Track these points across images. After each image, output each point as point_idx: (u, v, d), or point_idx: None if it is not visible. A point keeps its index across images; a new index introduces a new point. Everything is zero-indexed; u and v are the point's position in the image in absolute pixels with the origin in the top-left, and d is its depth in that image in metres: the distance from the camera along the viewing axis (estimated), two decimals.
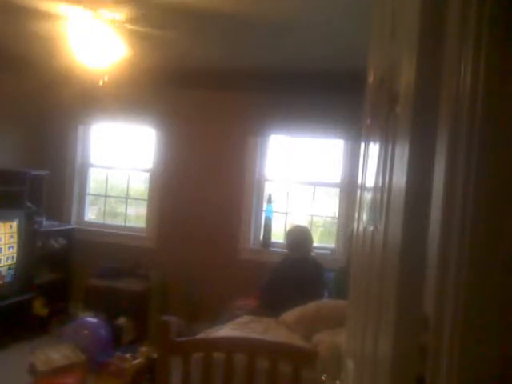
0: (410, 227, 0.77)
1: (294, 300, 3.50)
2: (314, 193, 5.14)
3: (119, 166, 5.57)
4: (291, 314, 3.35)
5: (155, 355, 3.20)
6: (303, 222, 5.06)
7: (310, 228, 4.49)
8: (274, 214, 5.02)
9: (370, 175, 1.29)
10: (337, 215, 5.00)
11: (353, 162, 4.75)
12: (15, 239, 4.55)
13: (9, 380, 3.72)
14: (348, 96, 3.78)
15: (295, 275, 3.92)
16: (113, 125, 5.52)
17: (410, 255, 0.77)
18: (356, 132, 4.35)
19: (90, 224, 5.56)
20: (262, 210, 5.12)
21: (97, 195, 5.74)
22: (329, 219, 5.23)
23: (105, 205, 5.71)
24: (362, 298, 1.23)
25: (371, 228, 1.15)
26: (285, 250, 4.44)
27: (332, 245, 5.04)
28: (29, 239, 4.71)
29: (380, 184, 1.07)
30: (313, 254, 4.63)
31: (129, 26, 3.49)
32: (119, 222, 5.61)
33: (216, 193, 5.10)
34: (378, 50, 1.32)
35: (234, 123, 5.05)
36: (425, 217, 0.73)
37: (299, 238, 4.25)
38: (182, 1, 3.08)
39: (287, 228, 4.84)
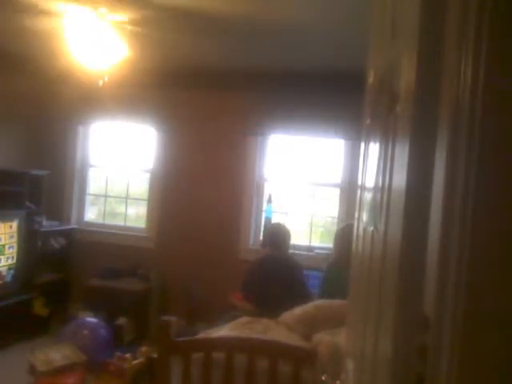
0: (410, 227, 0.77)
1: (273, 297, 3.53)
2: (314, 193, 5.14)
3: (119, 166, 5.57)
4: (291, 314, 3.35)
5: (155, 355, 3.20)
6: (302, 221, 5.05)
7: (286, 226, 4.41)
8: (273, 214, 5.02)
9: (370, 175, 1.29)
10: (337, 215, 5.00)
11: (353, 162, 4.75)
12: (15, 239, 4.55)
13: (9, 380, 3.72)
14: (348, 96, 3.78)
15: (270, 273, 3.93)
16: (113, 125, 5.52)
17: (410, 255, 0.77)
18: (356, 132, 4.35)
19: (90, 224, 5.56)
20: (261, 210, 5.12)
21: (97, 195, 5.74)
22: (329, 219, 5.23)
23: (105, 205, 5.71)
24: (362, 298, 1.23)
25: (371, 228, 1.15)
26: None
27: (332, 245, 5.03)
28: (29, 239, 4.72)
29: (380, 184, 1.07)
30: (295, 252, 4.59)
31: (129, 27, 3.49)
32: (119, 222, 5.61)
33: (216, 193, 5.10)
34: (378, 49, 1.32)
35: (233, 123, 5.05)
36: (425, 217, 0.73)
37: (275, 235, 4.22)
38: (183, 2, 3.08)
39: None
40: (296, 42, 3.76)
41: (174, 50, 4.22)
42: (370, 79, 1.42)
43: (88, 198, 5.68)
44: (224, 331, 3.04)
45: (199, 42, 3.96)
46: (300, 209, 5.19)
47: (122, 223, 5.57)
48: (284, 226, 4.30)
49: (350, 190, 4.79)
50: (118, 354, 3.71)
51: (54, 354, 3.72)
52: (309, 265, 4.38)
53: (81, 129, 5.52)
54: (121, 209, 5.70)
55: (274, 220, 4.93)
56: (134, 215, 5.69)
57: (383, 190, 1.01)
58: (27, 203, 4.77)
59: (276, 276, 3.90)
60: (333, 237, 5.02)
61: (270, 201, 4.99)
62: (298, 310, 3.33)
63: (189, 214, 5.16)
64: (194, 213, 5.15)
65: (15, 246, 4.56)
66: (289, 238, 4.24)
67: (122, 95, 5.06)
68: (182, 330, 4.09)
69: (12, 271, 4.53)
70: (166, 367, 2.17)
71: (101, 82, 3.72)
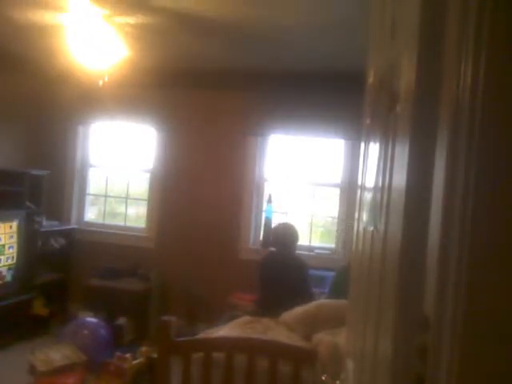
0: (410, 227, 0.77)
1: (282, 297, 3.54)
2: (314, 193, 5.14)
3: (119, 166, 5.57)
4: (291, 314, 3.35)
5: (155, 355, 3.20)
6: (302, 221, 5.05)
7: (295, 226, 4.39)
8: (273, 214, 5.02)
9: (370, 175, 1.29)
10: (337, 215, 5.00)
11: (353, 162, 4.75)
12: (15, 239, 4.55)
13: (9, 380, 3.72)
14: (348, 96, 3.79)
15: (280, 273, 3.95)
16: (113, 125, 5.52)
17: (410, 255, 0.77)
18: (356, 132, 4.35)
19: (90, 224, 5.56)
20: (261, 210, 5.12)
21: (97, 195, 5.74)
22: (329, 219, 5.23)
23: (105, 205, 5.71)
24: (362, 298, 1.23)
25: (371, 228, 1.15)
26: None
27: (332, 245, 5.04)
28: (29, 239, 4.71)
29: (380, 184, 1.07)
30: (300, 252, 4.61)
31: (129, 27, 3.49)
32: (119, 222, 5.61)
33: (216, 193, 5.10)
34: (378, 50, 1.31)
35: (233, 123, 5.05)
36: (425, 217, 0.73)
37: (284, 235, 4.23)
38: (183, 4, 3.08)
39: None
40: (296, 42, 3.76)
41: (173, 49, 4.22)
42: (370, 79, 1.42)
43: (88, 198, 5.68)
44: (224, 331, 3.05)
45: (199, 42, 3.96)
46: (300, 209, 5.19)
47: (122, 223, 5.57)
48: (293, 227, 4.32)
49: (349, 190, 4.79)
50: (118, 354, 3.71)
51: (54, 354, 3.72)
52: (309, 265, 4.38)
53: (81, 129, 5.52)
54: (121, 209, 5.70)
55: (274, 220, 4.93)
56: (134, 215, 5.69)
57: (383, 190, 1.01)
58: (27, 203, 4.77)
59: (283, 276, 3.91)
60: (334, 237, 5.04)
61: (270, 201, 4.99)
62: (298, 310, 3.33)
63: (189, 213, 5.16)
64: (193, 213, 5.15)
65: (15, 245, 4.55)
66: (297, 239, 4.26)
67: (122, 95, 5.06)
68: (182, 330, 4.09)
69: (12, 271, 4.53)
70: (166, 367, 2.17)
71: (101, 82, 3.72)
